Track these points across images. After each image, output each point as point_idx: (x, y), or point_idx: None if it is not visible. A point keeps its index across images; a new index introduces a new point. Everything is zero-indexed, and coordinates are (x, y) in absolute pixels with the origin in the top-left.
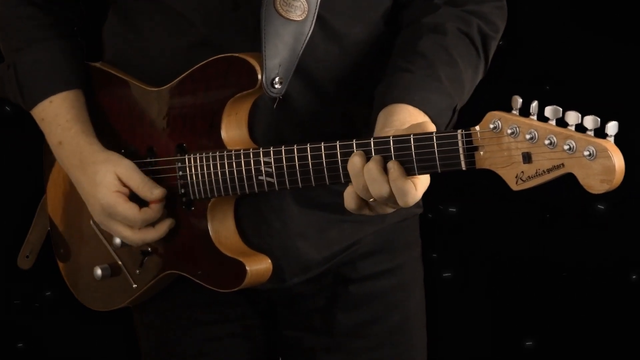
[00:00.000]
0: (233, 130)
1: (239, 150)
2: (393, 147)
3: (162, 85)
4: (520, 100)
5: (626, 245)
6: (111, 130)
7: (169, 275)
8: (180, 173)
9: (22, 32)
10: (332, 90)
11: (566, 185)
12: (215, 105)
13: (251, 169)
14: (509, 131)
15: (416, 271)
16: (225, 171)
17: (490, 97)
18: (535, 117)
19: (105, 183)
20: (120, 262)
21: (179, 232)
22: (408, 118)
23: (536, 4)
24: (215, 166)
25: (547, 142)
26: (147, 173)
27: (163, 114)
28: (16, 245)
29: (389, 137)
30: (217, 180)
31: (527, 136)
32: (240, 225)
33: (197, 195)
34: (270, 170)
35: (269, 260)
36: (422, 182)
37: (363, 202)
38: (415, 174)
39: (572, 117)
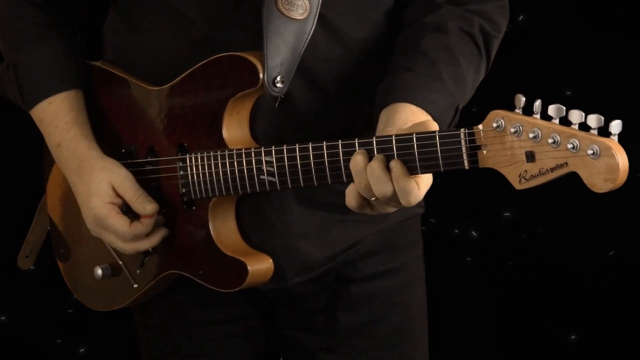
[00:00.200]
0: (234, 129)
1: (241, 149)
2: (396, 146)
3: (163, 85)
4: (524, 98)
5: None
6: (112, 129)
7: (170, 275)
8: (181, 172)
9: (22, 32)
10: (333, 90)
11: (565, 183)
12: (217, 105)
13: (253, 168)
14: (512, 130)
15: (418, 271)
16: (227, 170)
17: (492, 96)
18: (538, 116)
19: (98, 193)
20: (120, 262)
21: (180, 231)
22: (410, 117)
23: (537, 2)
24: (216, 165)
25: (550, 141)
26: (147, 173)
27: (164, 113)
28: (16, 245)
29: (391, 136)
30: (218, 180)
31: (531, 135)
32: (242, 224)
33: (198, 194)
34: (272, 169)
35: (271, 260)
36: (425, 181)
37: (365, 200)
38: (417, 173)
39: (576, 115)
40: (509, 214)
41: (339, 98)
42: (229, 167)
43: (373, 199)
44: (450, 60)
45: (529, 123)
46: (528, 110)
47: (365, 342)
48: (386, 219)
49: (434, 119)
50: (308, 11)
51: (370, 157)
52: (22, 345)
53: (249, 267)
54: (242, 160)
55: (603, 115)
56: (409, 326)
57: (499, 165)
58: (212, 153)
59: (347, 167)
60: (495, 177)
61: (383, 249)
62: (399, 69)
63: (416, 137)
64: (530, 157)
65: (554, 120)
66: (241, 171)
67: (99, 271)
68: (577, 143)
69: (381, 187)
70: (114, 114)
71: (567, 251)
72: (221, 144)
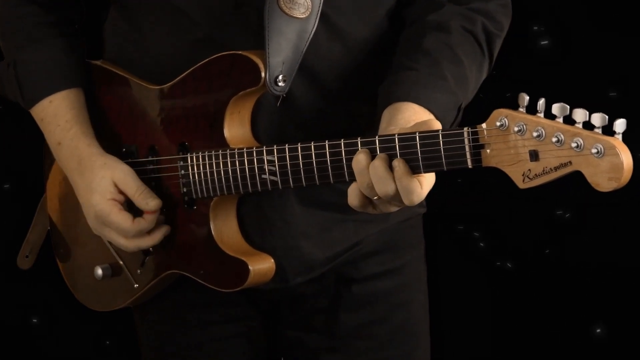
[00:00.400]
0: (236, 128)
1: (242, 148)
2: (398, 145)
3: (164, 84)
4: (527, 97)
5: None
6: (112, 128)
7: (171, 274)
8: (183, 172)
9: (23, 31)
10: (335, 88)
11: (565, 181)
12: (218, 104)
13: (254, 167)
14: (516, 129)
15: (420, 271)
16: (228, 170)
17: (494, 95)
18: (542, 115)
19: (100, 190)
20: (121, 262)
21: (181, 231)
22: (413, 116)
23: (538, 3)
24: (217, 165)
25: (554, 139)
26: (148, 172)
27: (165, 113)
28: (16, 245)
29: (394, 135)
30: (219, 179)
31: (534, 134)
32: (243, 224)
33: (199, 194)
34: (273, 169)
35: (272, 260)
36: (428, 180)
37: (367, 199)
38: (420, 172)
39: (580, 114)
40: (512, 214)
41: (340, 97)
42: (231, 167)
43: (375, 198)
44: (453, 59)
45: (532, 122)
46: (532, 109)
47: (367, 342)
48: (388, 219)
49: (437, 118)
50: (310, 10)
51: (372, 156)
52: (22, 345)
53: (250, 267)
54: (244, 160)
55: (607, 114)
56: (411, 326)
57: (503, 164)
58: (213, 152)
59: (349, 167)
60: (499, 176)
61: (385, 248)
62: (401, 68)
63: (419, 136)
64: (534, 156)
65: (557, 119)
66: (242, 170)
67: (99, 271)
68: (581, 142)
69: (384, 186)
70: (115, 113)
71: (567, 252)
72: (222, 143)
